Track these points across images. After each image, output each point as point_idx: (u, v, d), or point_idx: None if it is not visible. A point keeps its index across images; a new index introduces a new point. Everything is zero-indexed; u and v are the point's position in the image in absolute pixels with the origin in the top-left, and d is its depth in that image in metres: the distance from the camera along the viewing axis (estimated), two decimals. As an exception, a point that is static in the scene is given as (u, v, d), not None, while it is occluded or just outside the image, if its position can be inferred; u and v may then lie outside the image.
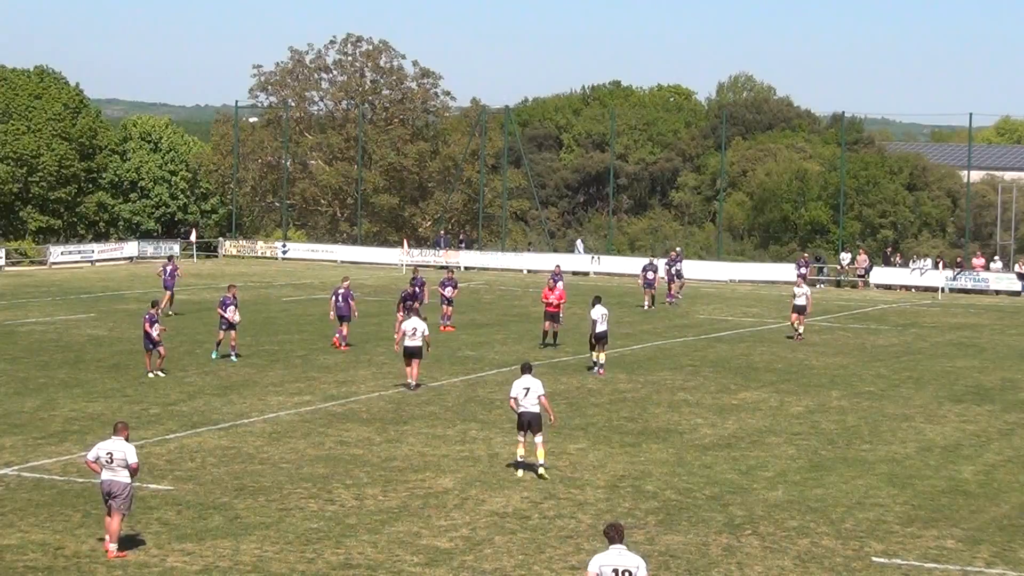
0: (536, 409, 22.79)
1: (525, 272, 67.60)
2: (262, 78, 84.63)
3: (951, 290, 61.25)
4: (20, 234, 78.99)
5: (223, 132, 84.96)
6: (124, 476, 18.06)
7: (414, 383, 31.04)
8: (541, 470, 22.62)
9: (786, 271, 64.26)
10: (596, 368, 34.47)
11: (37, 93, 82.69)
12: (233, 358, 34.94)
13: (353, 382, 32.03)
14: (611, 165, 79.73)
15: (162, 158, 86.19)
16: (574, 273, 65.65)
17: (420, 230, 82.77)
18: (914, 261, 63.81)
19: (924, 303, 56.34)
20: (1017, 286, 61.12)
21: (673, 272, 53.87)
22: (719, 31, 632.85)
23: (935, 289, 60.68)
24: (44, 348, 36.93)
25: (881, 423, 28.21)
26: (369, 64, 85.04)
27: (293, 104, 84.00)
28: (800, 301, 42.08)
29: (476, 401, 29.86)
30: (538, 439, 22.75)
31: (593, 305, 34.88)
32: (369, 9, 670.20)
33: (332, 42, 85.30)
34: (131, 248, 72.18)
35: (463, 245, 72.27)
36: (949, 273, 61.89)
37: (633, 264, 66.31)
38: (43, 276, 60.90)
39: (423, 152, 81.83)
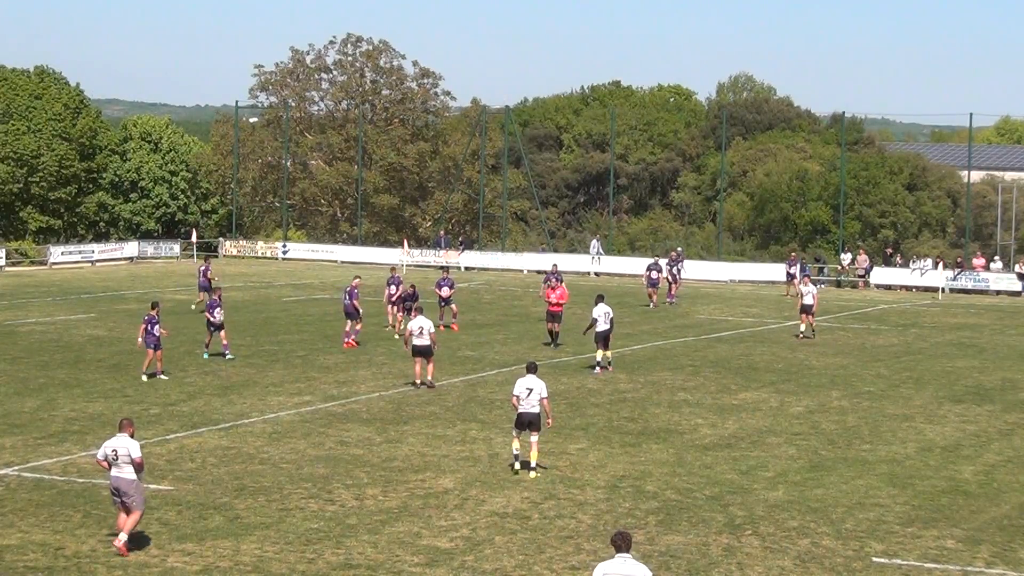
0: (536, 410, 22.80)
1: (525, 272, 67.59)
2: (262, 78, 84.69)
3: (951, 290, 61.25)
4: (20, 234, 79.00)
5: (223, 132, 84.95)
6: (130, 472, 18.15)
7: (430, 380, 31.19)
8: (532, 473, 22.66)
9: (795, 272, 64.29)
10: (598, 368, 34.48)
11: (37, 93, 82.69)
12: (228, 355, 35.03)
13: (353, 382, 32.04)
14: (611, 165, 79.74)
15: (162, 158, 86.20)
16: (575, 273, 65.60)
17: (420, 230, 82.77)
18: (914, 261, 63.81)
19: (924, 303, 56.34)
20: (1017, 286, 61.12)
21: (675, 272, 53.99)
22: (719, 31, 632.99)
23: (935, 289, 60.67)
24: (44, 348, 36.93)
25: (881, 423, 28.21)
26: (369, 64, 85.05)
27: (293, 104, 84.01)
28: (807, 300, 42.37)
29: (476, 401, 29.86)
30: (533, 439, 22.79)
31: (596, 304, 34.95)
32: (369, 9, 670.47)
33: (332, 42, 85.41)
34: (131, 248, 72.19)
35: (462, 246, 72.21)
36: (949, 273, 61.88)
37: (633, 264, 66.47)
38: (43, 276, 60.90)
39: (423, 152, 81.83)
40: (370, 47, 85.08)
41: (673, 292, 53.42)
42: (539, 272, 62.87)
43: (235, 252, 75.03)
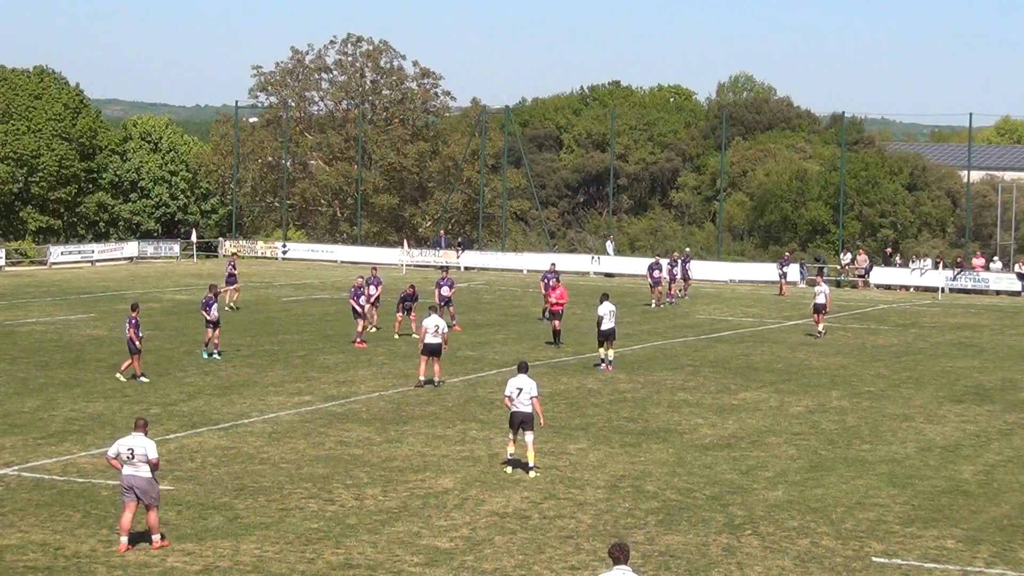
0: (528, 409, 22.85)
1: (525, 272, 67.58)
2: (262, 78, 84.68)
3: (951, 290, 61.25)
4: (20, 234, 78.98)
5: (223, 132, 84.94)
6: (146, 471, 18.33)
7: (437, 380, 31.23)
8: (532, 473, 22.67)
9: (791, 272, 64.25)
10: (603, 364, 34.58)
11: (37, 93, 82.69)
12: (216, 355, 35.08)
13: (353, 382, 32.04)
14: (611, 165, 79.74)
15: (162, 158, 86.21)
16: (575, 273, 65.61)
17: (420, 230, 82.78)
18: (914, 261, 63.80)
19: (924, 303, 56.34)
20: (1017, 286, 61.12)
21: (675, 272, 54.07)
22: (719, 31, 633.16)
23: (935, 289, 60.67)
24: (44, 348, 36.94)
25: (881, 423, 28.21)
26: (369, 64, 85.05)
27: (293, 104, 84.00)
28: (820, 300, 42.69)
29: (476, 401, 29.86)
30: (529, 438, 22.82)
31: (601, 302, 35.07)
32: (369, 9, 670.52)
33: (332, 42, 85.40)
34: (131, 248, 72.17)
35: (461, 247, 72.18)
36: (949, 273, 61.88)
37: (633, 264, 66.50)
38: (43, 276, 60.90)
39: (423, 152, 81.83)
40: (370, 47, 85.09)
41: (673, 292, 53.49)
42: (538, 271, 62.85)
43: (235, 252, 74.94)
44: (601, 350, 34.96)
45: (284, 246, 74.42)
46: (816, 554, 18.67)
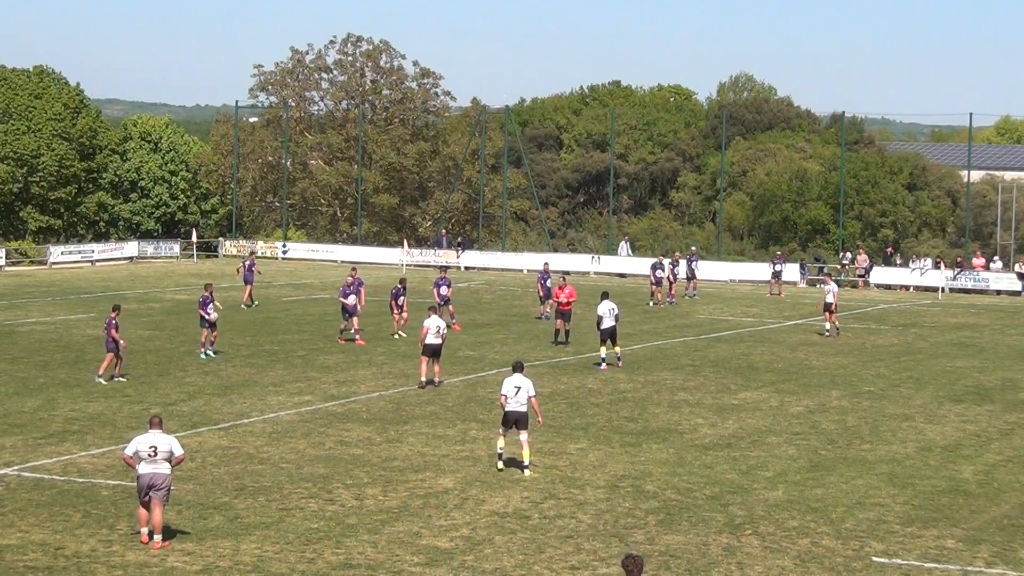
0: (524, 408, 22.90)
1: (525, 272, 67.56)
2: (262, 78, 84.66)
3: (951, 290, 61.24)
4: (20, 234, 78.99)
5: (223, 132, 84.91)
6: (166, 468, 18.48)
7: (437, 380, 31.23)
8: (527, 471, 22.70)
9: (787, 271, 64.24)
10: (603, 364, 34.62)
11: (37, 93, 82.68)
12: (211, 353, 35.14)
13: (353, 382, 32.05)
14: (611, 165, 79.73)
15: (162, 158, 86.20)
16: (575, 273, 65.59)
17: (420, 230, 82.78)
18: (914, 261, 63.79)
19: (924, 303, 56.34)
20: (1017, 286, 61.11)
21: (676, 272, 54.12)
22: (719, 31, 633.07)
23: (935, 289, 60.67)
24: (44, 348, 36.94)
25: (881, 423, 28.21)
26: (369, 64, 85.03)
27: (293, 104, 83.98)
28: (829, 299, 43.05)
29: (476, 401, 29.86)
30: (523, 437, 22.86)
31: (601, 300, 35.13)
32: (369, 9, 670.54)
33: (332, 42, 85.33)
34: (131, 248, 72.15)
35: (460, 247, 72.16)
36: (949, 273, 61.88)
37: (633, 264, 66.49)
38: (43, 276, 60.90)
39: (423, 152, 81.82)
40: (370, 47, 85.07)
41: (674, 292, 53.54)
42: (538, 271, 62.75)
43: (235, 252, 74.94)
44: (603, 349, 34.99)
45: (284, 246, 74.41)
46: (816, 554, 18.68)
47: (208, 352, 35.41)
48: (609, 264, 68.55)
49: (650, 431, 26.85)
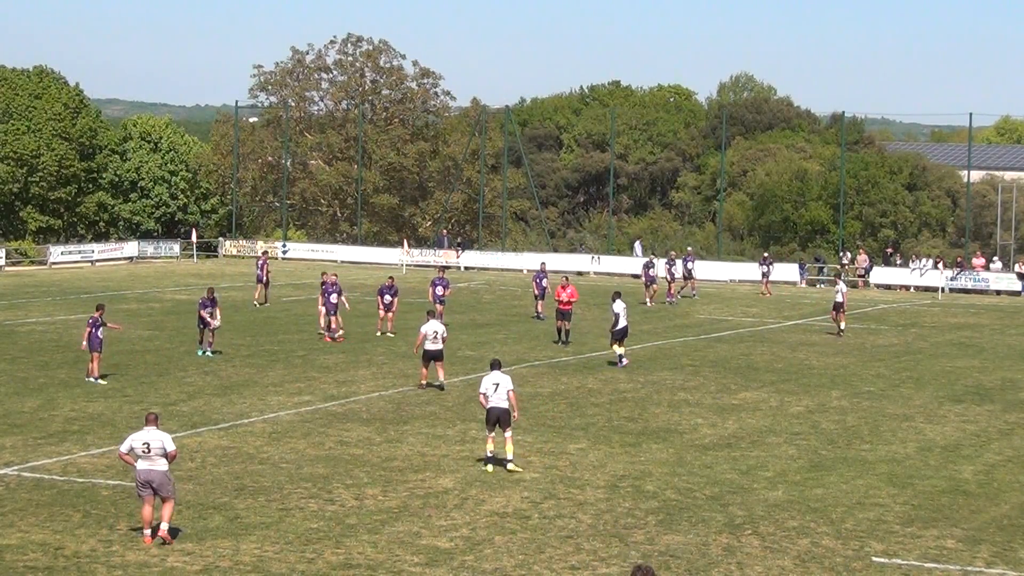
0: (505, 405, 23.03)
1: (525, 272, 67.55)
2: (262, 78, 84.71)
3: (951, 290, 61.25)
4: (20, 234, 78.97)
5: (223, 132, 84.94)
6: (162, 464, 18.56)
7: (440, 382, 31.19)
8: (511, 466, 22.84)
9: (787, 271, 64.34)
10: (624, 360, 34.79)
11: (37, 93, 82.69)
12: (210, 354, 35.23)
13: (353, 382, 32.05)
14: (611, 165, 79.75)
15: (162, 158, 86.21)
16: (575, 273, 65.58)
17: (420, 230, 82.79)
18: (914, 261, 63.79)
19: (924, 303, 56.34)
20: (1017, 286, 61.12)
21: (673, 271, 54.14)
22: (719, 31, 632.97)
23: (935, 289, 60.68)
24: (44, 348, 36.94)
25: (881, 423, 28.21)
26: (369, 64, 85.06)
27: (293, 104, 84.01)
28: (838, 298, 43.39)
29: (476, 401, 29.72)
30: (507, 434, 23.01)
31: (613, 300, 35.36)
32: (369, 9, 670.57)
33: (332, 42, 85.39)
34: (131, 248, 72.17)
35: (460, 248, 72.15)
36: (949, 273, 61.89)
37: (632, 264, 66.45)
38: (43, 276, 60.91)
39: (423, 152, 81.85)
40: (370, 47, 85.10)
41: (673, 292, 53.55)
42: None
43: (235, 252, 75.00)
44: (615, 347, 35.13)
45: (284, 246, 74.42)
46: (816, 554, 18.68)
47: (207, 353, 35.40)
48: (613, 264, 68.43)
49: (650, 431, 26.85)
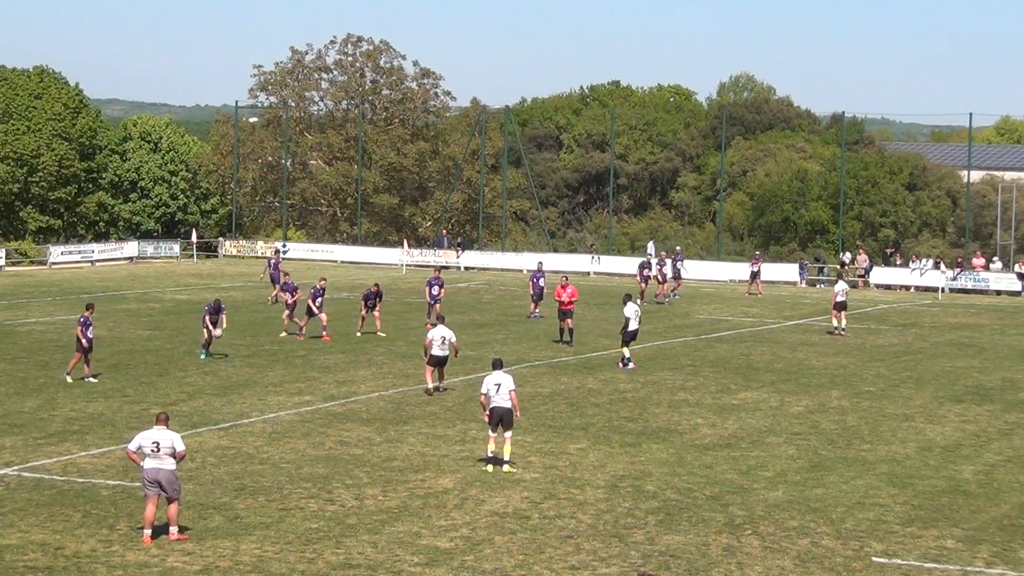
0: (507, 404, 23.03)
1: (525, 272, 67.53)
2: (262, 78, 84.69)
3: (951, 290, 61.25)
4: (20, 234, 78.96)
5: (223, 132, 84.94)
6: (171, 464, 18.68)
7: (442, 385, 31.15)
8: (506, 467, 22.82)
9: (786, 271, 64.38)
10: (631, 363, 34.76)
11: (37, 93, 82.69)
12: (208, 354, 35.21)
13: (353, 382, 32.05)
14: (611, 165, 79.75)
15: (162, 158, 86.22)
16: (575, 273, 65.57)
17: (420, 230, 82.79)
18: (914, 261, 63.79)
19: (924, 303, 56.34)
20: (1017, 286, 61.11)
21: (665, 271, 54.05)
22: (719, 31, 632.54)
23: (935, 289, 60.67)
24: (44, 348, 36.95)
25: (881, 423, 28.21)
26: (369, 64, 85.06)
27: (293, 104, 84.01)
28: (840, 298, 43.36)
29: (476, 401, 29.73)
30: (507, 434, 23.00)
31: (625, 303, 35.43)
32: (369, 9, 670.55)
33: (332, 42, 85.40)
34: (131, 248, 72.17)
35: (460, 248, 72.12)
36: (949, 273, 61.88)
37: (632, 264, 66.43)
38: (43, 276, 60.91)
39: (423, 152, 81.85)
40: (370, 47, 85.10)
41: (661, 292, 53.46)
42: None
43: (235, 252, 74.99)
44: (625, 349, 35.17)
45: (284, 246, 74.40)
46: (816, 554, 18.67)
47: (207, 353, 35.40)
48: (613, 264, 68.41)
49: (650, 431, 26.85)
